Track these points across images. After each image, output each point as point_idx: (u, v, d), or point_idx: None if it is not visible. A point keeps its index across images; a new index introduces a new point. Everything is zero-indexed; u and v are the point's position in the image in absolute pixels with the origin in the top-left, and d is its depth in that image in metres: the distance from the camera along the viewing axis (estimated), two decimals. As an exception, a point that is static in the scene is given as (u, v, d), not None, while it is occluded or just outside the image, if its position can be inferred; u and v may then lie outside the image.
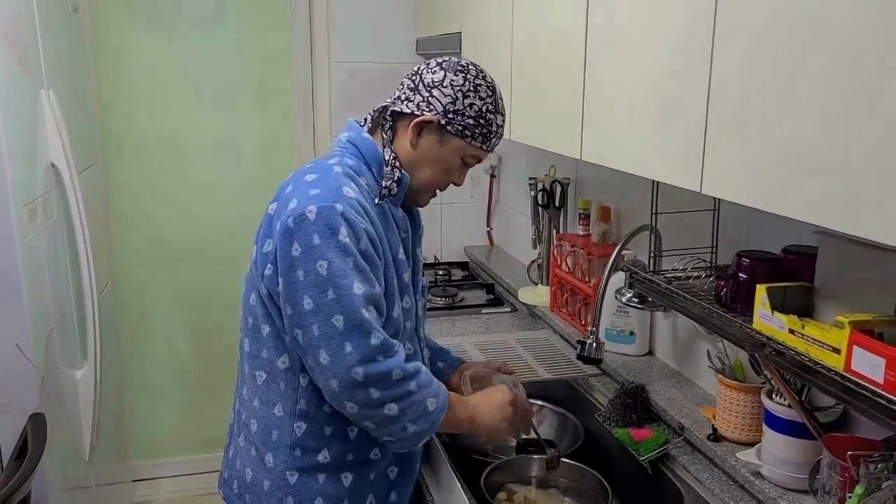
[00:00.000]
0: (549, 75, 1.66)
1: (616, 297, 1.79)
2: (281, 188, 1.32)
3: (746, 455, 1.37)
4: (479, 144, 1.34)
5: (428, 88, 1.32)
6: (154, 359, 3.07)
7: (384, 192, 1.32)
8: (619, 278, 1.76)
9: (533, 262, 2.50)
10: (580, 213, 2.15)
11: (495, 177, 3.03)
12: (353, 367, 1.19)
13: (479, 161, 1.39)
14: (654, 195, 1.56)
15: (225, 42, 2.91)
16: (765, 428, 1.34)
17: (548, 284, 2.33)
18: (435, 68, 1.33)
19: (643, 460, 1.49)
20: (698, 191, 1.11)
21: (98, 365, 2.11)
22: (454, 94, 1.30)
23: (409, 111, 1.32)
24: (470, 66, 1.33)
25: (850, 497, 1.08)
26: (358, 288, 1.20)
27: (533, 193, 2.40)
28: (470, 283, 2.73)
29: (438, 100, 1.31)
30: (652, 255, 1.62)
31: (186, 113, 2.92)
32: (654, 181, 1.50)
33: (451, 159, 1.35)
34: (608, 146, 1.41)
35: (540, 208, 2.38)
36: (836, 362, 1.00)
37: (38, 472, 1.62)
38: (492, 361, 1.72)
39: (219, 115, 2.95)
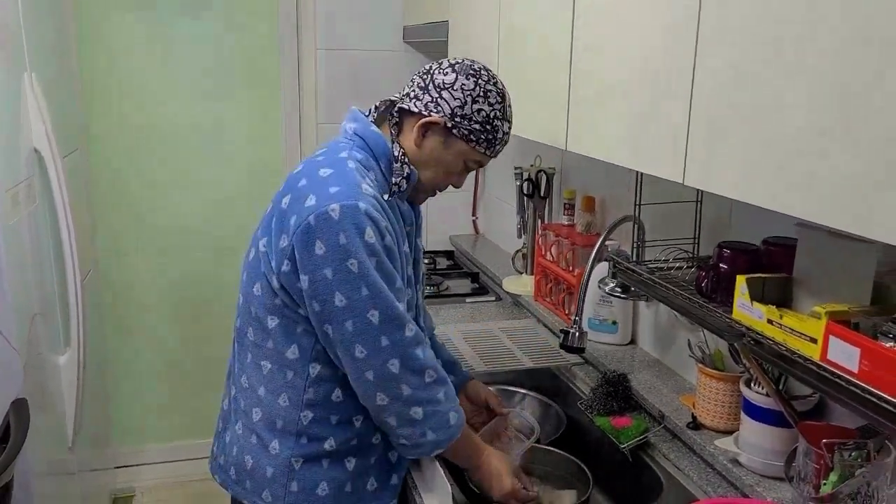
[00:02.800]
0: (535, 65, 1.67)
1: (599, 287, 1.80)
2: (292, 180, 1.30)
3: (725, 443, 1.39)
4: (483, 150, 1.34)
5: (438, 90, 1.31)
6: (138, 345, 3.06)
7: (394, 188, 1.32)
8: (602, 268, 1.77)
9: (518, 251, 2.51)
10: (565, 203, 2.16)
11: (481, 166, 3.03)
12: (390, 359, 1.23)
13: (482, 166, 1.40)
14: (639, 186, 1.57)
15: (211, 27, 2.88)
16: (743, 416, 1.36)
17: (532, 274, 2.34)
18: (447, 69, 1.32)
19: (624, 448, 1.51)
20: (681, 182, 1.12)
21: (81, 350, 2.10)
22: (463, 97, 1.30)
23: (416, 110, 1.32)
24: (482, 71, 1.32)
25: (824, 484, 1.10)
26: (384, 286, 1.23)
27: (518, 183, 2.41)
28: (455, 272, 2.74)
29: (447, 102, 1.30)
30: (635, 245, 1.63)
31: (172, 98, 2.90)
32: (638, 172, 1.51)
33: (453, 162, 1.35)
34: (593, 137, 1.42)
35: (525, 198, 2.39)
36: (812, 352, 1.02)
37: (21, 458, 1.61)
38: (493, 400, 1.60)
39: (205, 101, 2.93)
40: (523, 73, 1.74)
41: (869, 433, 1.12)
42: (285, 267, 1.25)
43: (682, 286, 1.35)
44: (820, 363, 1.00)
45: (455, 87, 1.30)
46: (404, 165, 1.33)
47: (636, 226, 1.63)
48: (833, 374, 0.98)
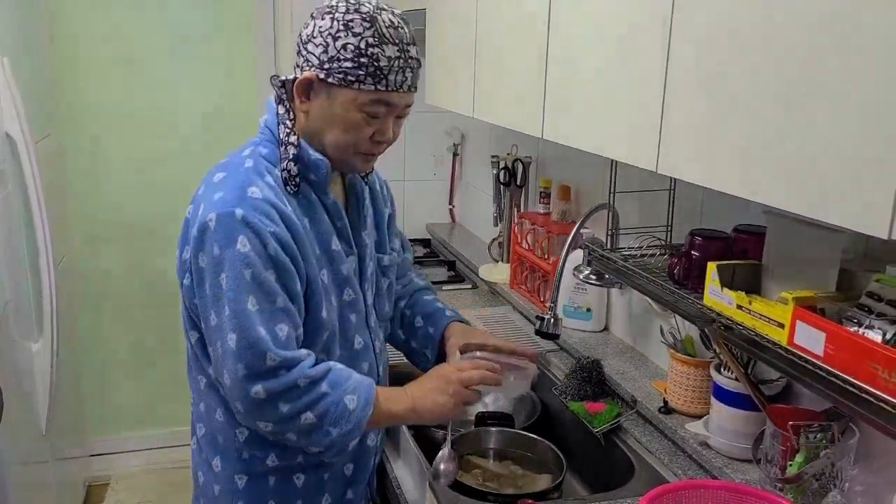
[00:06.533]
0: (512, 54, 1.67)
1: (574, 275, 1.82)
2: (196, 190, 1.23)
3: (695, 426, 1.42)
4: (372, 87, 1.14)
5: (304, 45, 1.18)
6: (112, 333, 3.04)
7: (283, 174, 1.18)
8: (577, 256, 1.79)
9: (494, 239, 2.52)
10: (541, 192, 2.18)
11: (458, 154, 3.04)
12: (252, 387, 1.11)
13: (390, 105, 1.18)
14: (613, 174, 1.59)
15: (185, 10, 2.85)
16: (713, 400, 1.39)
17: (508, 262, 2.36)
18: (308, 22, 1.19)
19: (597, 432, 1.54)
20: (654, 170, 1.14)
21: (54, 338, 2.08)
22: (324, 40, 1.14)
23: (292, 77, 1.19)
24: (339, 4, 1.16)
25: (790, 465, 1.13)
26: (252, 304, 1.11)
27: (495, 171, 2.42)
28: (432, 261, 2.75)
29: (313, 53, 1.16)
30: (610, 233, 1.65)
31: (148, 85, 2.87)
32: (612, 161, 1.53)
33: (344, 114, 1.17)
34: (568, 125, 1.43)
35: (501, 186, 2.40)
36: (780, 336, 1.04)
37: (-6, 445, 1.61)
38: (477, 337, 1.46)
39: (180, 86, 2.90)
40: (501, 61, 1.74)
41: (834, 416, 1.15)
42: (186, 280, 1.19)
43: (656, 273, 1.37)
44: (787, 347, 1.03)
45: (314, 34, 1.16)
46: (288, 147, 1.19)
47: (611, 214, 1.65)
48: (799, 357, 1.00)
